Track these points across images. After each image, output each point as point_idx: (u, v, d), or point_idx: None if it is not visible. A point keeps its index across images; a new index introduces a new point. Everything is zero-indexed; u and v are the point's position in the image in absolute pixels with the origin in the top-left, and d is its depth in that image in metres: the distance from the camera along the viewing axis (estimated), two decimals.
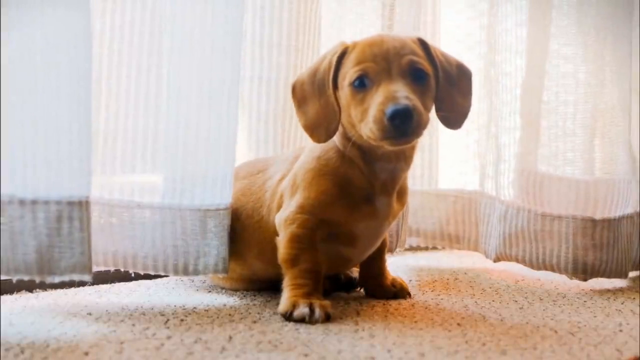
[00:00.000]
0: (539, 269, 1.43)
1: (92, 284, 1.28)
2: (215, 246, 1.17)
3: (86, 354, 0.88)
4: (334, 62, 1.10)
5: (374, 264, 1.25)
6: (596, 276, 1.40)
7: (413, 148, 1.14)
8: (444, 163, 1.65)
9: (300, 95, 1.13)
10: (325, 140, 1.12)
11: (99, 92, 1.16)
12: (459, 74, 1.14)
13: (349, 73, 1.07)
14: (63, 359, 0.86)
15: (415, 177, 1.60)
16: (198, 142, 1.16)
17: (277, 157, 1.26)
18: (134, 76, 1.17)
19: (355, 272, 1.31)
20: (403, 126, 1.00)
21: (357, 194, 1.12)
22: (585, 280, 1.41)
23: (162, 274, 1.18)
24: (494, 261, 1.49)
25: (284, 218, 1.12)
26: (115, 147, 1.17)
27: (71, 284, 1.24)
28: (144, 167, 1.18)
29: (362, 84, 1.06)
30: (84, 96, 1.03)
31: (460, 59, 1.18)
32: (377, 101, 1.02)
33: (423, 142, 1.61)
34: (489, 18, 1.53)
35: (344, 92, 1.08)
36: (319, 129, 1.11)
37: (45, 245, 1.00)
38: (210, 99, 1.15)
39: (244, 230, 1.20)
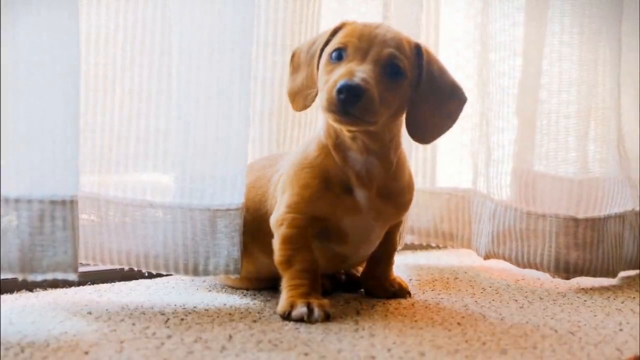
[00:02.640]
0: (524, 267, 1.44)
1: (92, 283, 1.28)
2: (226, 246, 1.17)
3: (86, 353, 0.88)
4: (328, 34, 1.11)
5: (379, 266, 1.24)
6: (580, 275, 1.40)
7: (386, 146, 1.12)
8: (440, 162, 1.66)
9: (296, 62, 1.16)
10: (301, 109, 1.15)
11: (113, 91, 1.17)
12: (450, 94, 1.13)
13: (331, 44, 1.08)
14: (63, 358, 0.86)
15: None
16: (207, 142, 1.16)
17: (288, 153, 1.26)
18: (145, 76, 1.18)
19: (360, 270, 1.31)
20: (347, 103, 1.00)
21: (336, 185, 1.12)
22: (567, 279, 1.41)
23: (173, 273, 1.18)
24: (484, 259, 1.50)
25: (275, 219, 1.13)
26: (128, 146, 1.18)
27: (71, 284, 1.24)
28: (156, 166, 1.19)
29: (338, 57, 1.07)
30: (71, 95, 1.02)
31: (459, 84, 1.16)
32: (337, 73, 1.03)
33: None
34: (482, 17, 1.53)
35: (322, 61, 1.09)
36: (298, 96, 1.14)
37: (27, 243, 1.00)
38: (220, 99, 1.16)
39: (251, 223, 1.20)
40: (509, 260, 1.45)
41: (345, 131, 1.09)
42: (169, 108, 1.17)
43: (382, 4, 1.52)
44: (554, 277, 1.42)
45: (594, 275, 1.41)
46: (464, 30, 1.61)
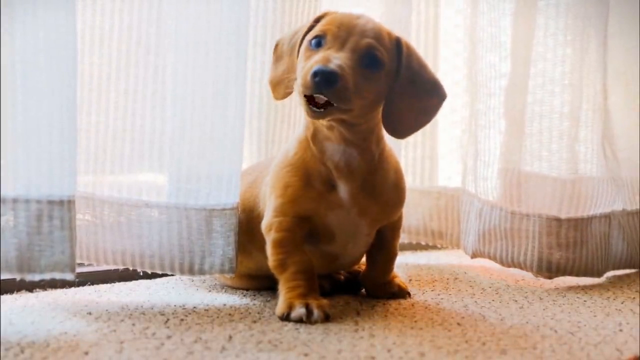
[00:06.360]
0: (508, 266, 1.45)
1: (92, 283, 1.28)
2: (221, 246, 1.17)
3: (86, 353, 0.88)
4: (310, 23, 1.11)
5: (378, 269, 1.24)
6: (563, 275, 1.41)
7: (365, 138, 1.11)
8: (436, 161, 1.66)
9: (279, 52, 1.16)
10: (282, 97, 1.14)
11: (108, 91, 1.17)
12: (430, 90, 1.13)
13: (312, 32, 1.09)
14: (63, 358, 0.86)
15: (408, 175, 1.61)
16: (203, 142, 1.16)
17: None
18: (141, 76, 1.18)
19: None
20: (321, 85, 0.99)
21: (318, 180, 1.11)
22: (550, 278, 1.42)
23: (169, 273, 1.19)
24: (471, 257, 1.50)
25: (265, 225, 1.13)
26: (123, 146, 1.18)
27: (71, 284, 1.24)
28: (151, 166, 1.19)
29: (317, 44, 1.07)
30: (69, 96, 1.02)
31: (440, 80, 1.15)
32: (314, 59, 1.03)
33: (415, 140, 1.61)
34: (471, 19, 1.53)
35: (302, 48, 1.09)
36: (279, 85, 1.14)
37: (25, 243, 1.00)
38: (215, 99, 1.16)
39: (248, 223, 1.20)
40: (494, 259, 1.46)
41: (307, 113, 1.07)
42: (164, 108, 1.18)
43: (378, 2, 1.52)
44: (537, 276, 1.43)
45: (578, 275, 1.42)
46: (465, 33, 1.61)
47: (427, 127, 1.56)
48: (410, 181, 1.62)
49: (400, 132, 1.14)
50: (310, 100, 1.02)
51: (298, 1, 1.40)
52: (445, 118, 1.64)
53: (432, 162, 1.64)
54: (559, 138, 1.45)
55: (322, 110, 1.02)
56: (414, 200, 1.62)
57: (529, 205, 1.44)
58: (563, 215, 1.42)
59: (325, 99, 1.01)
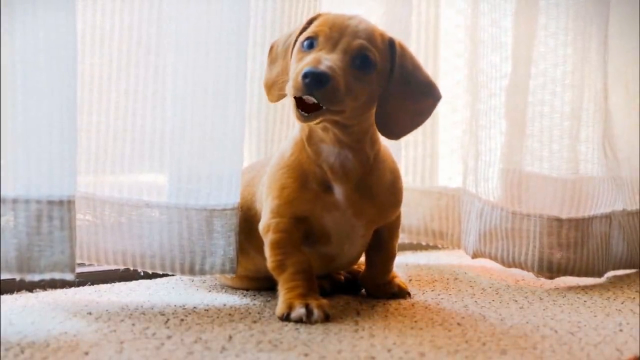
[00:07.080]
0: (509, 266, 1.45)
1: (92, 283, 1.28)
2: (222, 246, 1.17)
3: (86, 353, 0.88)
4: (303, 25, 1.11)
5: (377, 270, 1.24)
6: (563, 275, 1.42)
7: (359, 140, 1.11)
8: (435, 161, 1.66)
9: (273, 55, 1.16)
10: (276, 100, 1.15)
11: (109, 92, 1.17)
12: (424, 92, 1.13)
13: (304, 33, 1.08)
14: (63, 358, 0.86)
15: (408, 174, 1.61)
16: (203, 142, 1.17)
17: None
18: (141, 76, 1.18)
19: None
20: (311, 87, 0.99)
21: (313, 182, 1.11)
22: (551, 278, 1.42)
23: (170, 273, 1.19)
24: (472, 257, 1.51)
25: (262, 226, 1.13)
26: (123, 147, 1.18)
27: (71, 284, 1.24)
28: (151, 166, 1.19)
29: (310, 46, 1.06)
30: (69, 96, 1.03)
31: (435, 81, 1.15)
32: (305, 61, 1.03)
33: (415, 139, 1.61)
34: (472, 19, 1.53)
35: (295, 50, 1.09)
36: (274, 87, 1.14)
37: (25, 243, 1.00)
38: (215, 99, 1.16)
39: (245, 221, 1.20)
40: (495, 259, 1.47)
41: (312, 123, 1.07)
42: (164, 108, 1.18)
43: (377, 4, 1.52)
44: (537, 276, 1.43)
45: (579, 275, 1.43)
46: (466, 34, 1.61)
47: (428, 127, 1.59)
48: (411, 181, 1.62)
49: (395, 133, 1.13)
50: (300, 102, 1.02)
51: (297, 1, 1.40)
52: (446, 118, 1.64)
53: (432, 162, 1.65)
54: (559, 138, 1.45)
55: (310, 114, 1.02)
56: (415, 200, 1.62)
57: (529, 206, 1.44)
58: (564, 216, 1.42)
59: (315, 100, 1.01)
